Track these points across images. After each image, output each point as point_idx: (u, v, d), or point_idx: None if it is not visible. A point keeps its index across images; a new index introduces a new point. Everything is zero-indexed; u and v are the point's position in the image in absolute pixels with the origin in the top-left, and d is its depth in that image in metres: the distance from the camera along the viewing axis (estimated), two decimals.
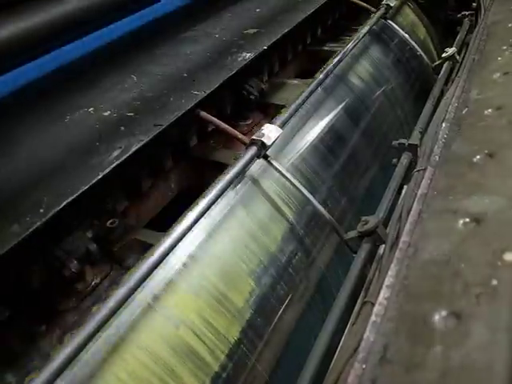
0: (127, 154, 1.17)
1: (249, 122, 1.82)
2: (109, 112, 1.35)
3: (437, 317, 0.75)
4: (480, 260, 0.81)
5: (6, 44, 1.17)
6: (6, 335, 1.03)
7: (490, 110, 1.24)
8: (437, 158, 1.18)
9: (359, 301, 1.14)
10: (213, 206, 1.13)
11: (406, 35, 2.40)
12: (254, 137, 1.32)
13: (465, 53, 2.09)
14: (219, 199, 1.16)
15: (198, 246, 1.16)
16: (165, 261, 0.99)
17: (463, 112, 1.32)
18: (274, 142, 1.33)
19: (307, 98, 1.60)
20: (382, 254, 1.14)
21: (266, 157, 1.36)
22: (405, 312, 0.78)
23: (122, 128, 1.28)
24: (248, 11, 2.13)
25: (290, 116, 1.51)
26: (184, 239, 1.05)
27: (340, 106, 1.87)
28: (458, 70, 1.90)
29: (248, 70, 1.74)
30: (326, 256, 1.49)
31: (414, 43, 2.42)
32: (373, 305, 0.87)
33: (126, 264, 1.19)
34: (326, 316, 1.15)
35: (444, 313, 0.75)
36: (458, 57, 2.18)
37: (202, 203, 1.11)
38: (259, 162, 1.35)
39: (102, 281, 1.17)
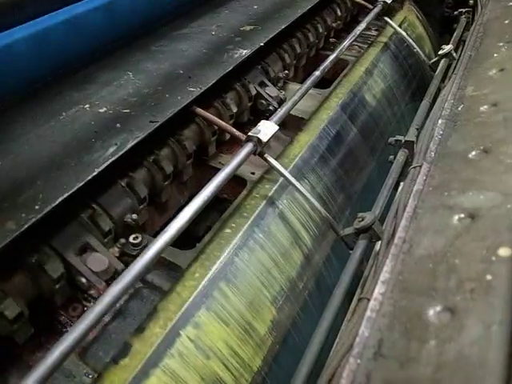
0: (123, 151, 1.16)
1: None
2: (105, 109, 1.35)
3: (431, 312, 0.75)
4: (475, 255, 0.81)
5: None
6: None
7: (485, 107, 1.25)
8: (433, 154, 1.18)
9: (355, 297, 1.14)
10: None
11: (403, 32, 2.40)
12: (250, 133, 1.32)
13: (461, 50, 2.09)
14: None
15: (228, 271, 1.19)
16: (195, 289, 1.05)
17: (459, 108, 1.32)
18: (270, 138, 1.33)
19: (303, 95, 1.60)
20: (378, 251, 1.15)
21: (261, 153, 1.36)
22: (399, 307, 0.78)
23: (118, 125, 1.27)
24: (245, 8, 2.13)
25: (287, 112, 1.51)
26: (214, 266, 1.12)
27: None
28: (455, 67, 1.90)
29: (266, 77, 1.78)
30: (323, 252, 1.49)
31: (410, 40, 2.41)
32: (368, 300, 0.88)
33: (146, 280, 1.18)
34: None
35: (438, 308, 0.75)
36: (454, 54, 2.18)
37: (199, 200, 1.11)
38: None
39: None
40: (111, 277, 1.06)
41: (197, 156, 1.51)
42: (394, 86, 2.32)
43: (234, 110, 1.63)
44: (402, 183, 1.44)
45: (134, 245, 1.17)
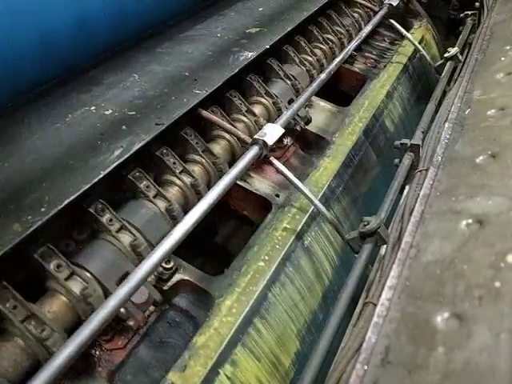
0: (129, 153, 1.16)
1: (282, 145, 1.75)
2: (110, 111, 1.35)
3: (439, 318, 0.74)
4: (483, 261, 0.80)
5: None
6: None
7: (493, 111, 1.24)
8: (439, 158, 1.18)
9: (361, 301, 1.14)
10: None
11: (409, 34, 2.40)
12: (255, 136, 1.32)
13: (467, 53, 2.08)
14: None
15: (262, 306, 1.20)
16: (233, 325, 1.07)
17: (466, 112, 1.32)
18: (275, 141, 1.33)
19: (309, 97, 1.60)
20: (383, 255, 1.14)
21: (267, 156, 1.35)
22: (407, 313, 0.78)
23: (124, 127, 1.27)
24: (250, 10, 2.13)
25: (293, 115, 1.51)
26: (250, 302, 1.14)
27: None
28: (461, 70, 1.89)
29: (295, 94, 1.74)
30: (340, 282, 1.48)
31: (416, 42, 2.41)
32: (374, 305, 0.87)
33: (179, 306, 1.18)
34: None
35: (446, 314, 0.74)
36: (460, 57, 2.17)
37: (205, 202, 1.11)
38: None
39: (148, 318, 1.16)
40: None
41: None
42: (410, 110, 2.33)
43: (261, 122, 1.57)
44: (407, 187, 1.44)
45: (166, 269, 1.17)
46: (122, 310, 0.99)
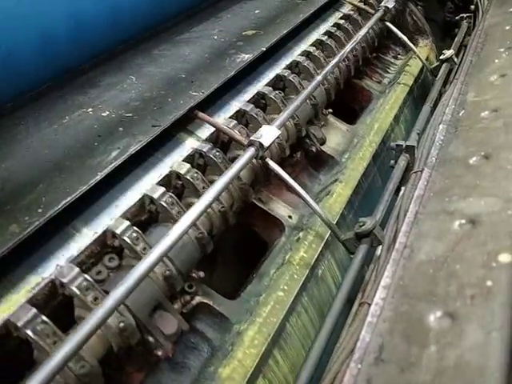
0: (126, 155, 1.17)
1: (292, 161, 1.74)
2: (107, 112, 1.36)
3: (432, 317, 0.75)
4: (475, 261, 0.81)
5: None
6: None
7: (486, 112, 1.25)
8: (434, 159, 1.19)
9: (356, 302, 1.15)
10: None
11: (404, 37, 2.41)
12: (252, 138, 1.33)
13: (463, 55, 2.10)
14: None
15: (281, 337, 1.20)
16: (256, 357, 1.08)
17: (460, 114, 1.33)
18: (272, 143, 1.34)
19: (305, 99, 1.61)
20: (379, 255, 1.15)
21: (263, 158, 1.36)
22: (400, 312, 0.79)
23: (121, 128, 1.28)
24: (247, 12, 2.14)
25: (289, 117, 1.52)
26: (271, 333, 1.14)
27: None
28: (456, 72, 1.91)
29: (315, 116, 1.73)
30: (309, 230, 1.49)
31: (411, 45, 2.42)
32: (369, 305, 0.88)
33: (196, 329, 1.17)
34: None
35: (439, 313, 0.75)
36: (455, 59, 2.19)
37: (201, 204, 1.11)
38: None
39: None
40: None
41: None
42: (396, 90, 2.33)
43: (287, 150, 1.59)
44: (403, 188, 1.45)
45: (188, 293, 1.15)
46: (151, 339, 0.98)
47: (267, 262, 1.36)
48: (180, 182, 1.25)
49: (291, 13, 2.09)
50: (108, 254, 1.04)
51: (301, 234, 1.43)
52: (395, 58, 2.59)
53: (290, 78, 1.74)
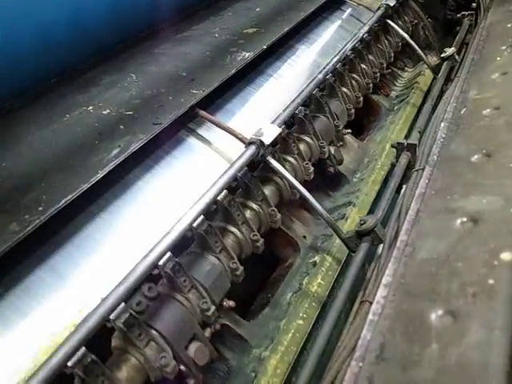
0: (126, 153, 1.17)
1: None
2: (108, 110, 1.35)
3: (433, 315, 0.75)
4: (477, 259, 0.81)
5: None
6: None
7: (488, 110, 1.25)
8: (435, 157, 1.19)
9: (358, 300, 1.15)
10: None
11: (406, 35, 2.40)
12: (253, 136, 1.33)
13: (464, 53, 2.09)
14: None
15: (299, 364, 1.19)
16: None
17: (462, 112, 1.33)
18: (272, 140, 1.33)
19: (306, 97, 1.61)
20: (380, 254, 1.15)
21: (264, 156, 1.36)
22: (401, 310, 0.79)
23: (122, 127, 1.28)
24: (248, 10, 2.14)
25: (290, 115, 1.52)
26: (291, 362, 1.13)
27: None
28: (458, 70, 1.90)
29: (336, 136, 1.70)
30: (325, 255, 1.48)
31: (413, 43, 2.42)
32: (370, 304, 0.88)
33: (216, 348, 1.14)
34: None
35: (440, 311, 0.75)
36: (457, 57, 2.18)
37: (202, 202, 1.12)
38: None
39: None
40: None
41: None
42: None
43: (312, 174, 1.55)
44: (404, 186, 1.45)
45: (206, 310, 1.12)
46: (184, 368, 0.98)
47: (283, 284, 1.35)
48: (214, 207, 1.23)
49: (292, 10, 2.09)
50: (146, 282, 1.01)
51: (317, 259, 1.43)
52: (402, 69, 2.56)
53: (318, 96, 1.70)
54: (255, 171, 1.40)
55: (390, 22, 2.39)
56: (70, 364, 0.80)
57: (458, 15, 2.76)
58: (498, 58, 1.53)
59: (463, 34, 2.48)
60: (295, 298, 1.32)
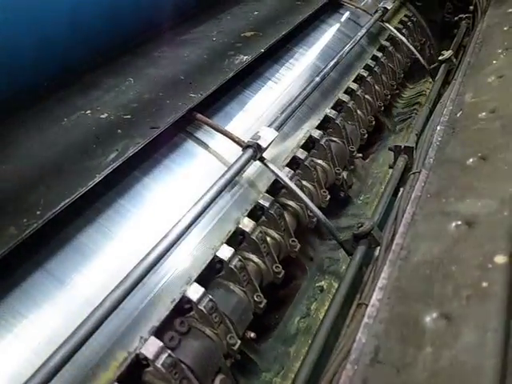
0: (124, 157, 1.17)
1: None
2: (106, 114, 1.36)
3: (428, 318, 0.75)
4: (471, 262, 0.82)
5: None
6: None
7: (484, 113, 1.26)
8: (431, 160, 1.19)
9: (354, 303, 1.15)
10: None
11: (403, 38, 2.41)
12: (249, 139, 1.33)
13: (461, 56, 2.10)
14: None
15: None
16: None
17: (458, 115, 1.33)
18: (269, 144, 1.34)
19: (303, 100, 1.61)
20: (377, 256, 1.15)
21: (262, 159, 1.37)
22: (396, 313, 0.79)
23: (119, 130, 1.28)
24: (246, 13, 2.14)
25: (287, 118, 1.52)
26: None
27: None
28: (455, 72, 1.91)
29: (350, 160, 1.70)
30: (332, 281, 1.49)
31: (411, 46, 2.43)
32: (366, 306, 0.88)
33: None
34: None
35: (435, 314, 0.75)
36: (454, 60, 2.19)
37: (199, 205, 1.12)
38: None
39: None
40: None
41: None
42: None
43: (327, 197, 1.57)
44: (401, 189, 1.45)
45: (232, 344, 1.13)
46: None
47: (291, 307, 1.37)
48: (241, 237, 1.25)
49: (290, 14, 2.09)
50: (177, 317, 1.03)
51: (324, 284, 1.44)
52: (404, 86, 2.56)
53: (338, 121, 1.72)
54: (276, 196, 1.39)
55: (387, 25, 2.40)
56: None
57: (456, 18, 2.77)
58: (494, 61, 1.54)
59: (460, 37, 2.50)
60: (303, 323, 1.33)
